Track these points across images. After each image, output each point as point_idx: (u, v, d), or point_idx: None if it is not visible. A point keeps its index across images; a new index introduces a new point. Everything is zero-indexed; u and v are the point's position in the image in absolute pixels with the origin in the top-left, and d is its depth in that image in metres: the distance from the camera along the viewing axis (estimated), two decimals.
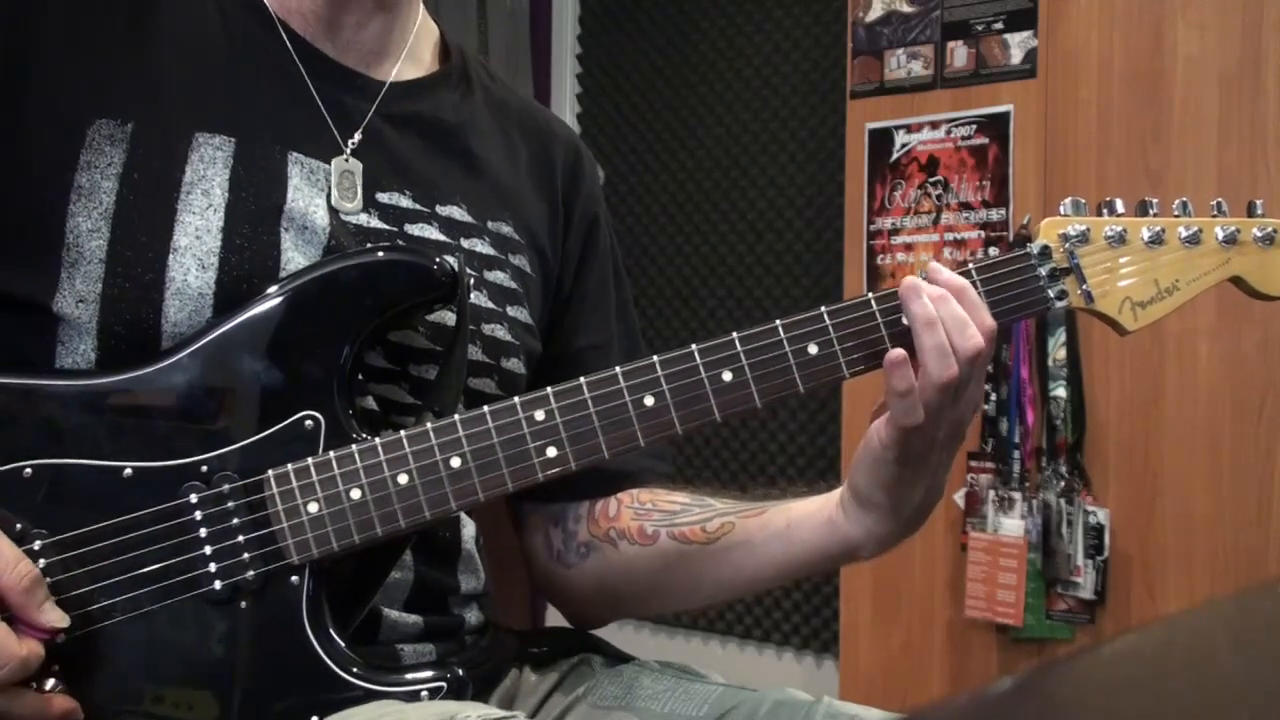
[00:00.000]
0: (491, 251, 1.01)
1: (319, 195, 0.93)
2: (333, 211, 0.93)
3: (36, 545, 0.82)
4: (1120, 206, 0.95)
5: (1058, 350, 2.21)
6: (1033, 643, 2.24)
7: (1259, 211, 0.97)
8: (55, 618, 0.80)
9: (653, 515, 1.05)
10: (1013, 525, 2.22)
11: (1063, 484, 2.21)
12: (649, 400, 0.88)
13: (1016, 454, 2.24)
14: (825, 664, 2.97)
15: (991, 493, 2.25)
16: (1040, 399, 2.23)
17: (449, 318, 0.94)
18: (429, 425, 0.87)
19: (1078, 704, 0.49)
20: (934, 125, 2.39)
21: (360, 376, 0.91)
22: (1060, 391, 2.20)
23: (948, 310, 0.87)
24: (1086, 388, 2.21)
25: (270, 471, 0.85)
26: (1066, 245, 0.93)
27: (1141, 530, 2.17)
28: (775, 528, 1.00)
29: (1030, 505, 2.22)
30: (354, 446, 0.86)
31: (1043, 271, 0.93)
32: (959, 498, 2.30)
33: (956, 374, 0.86)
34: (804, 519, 0.98)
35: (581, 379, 0.88)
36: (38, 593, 0.80)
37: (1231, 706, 0.48)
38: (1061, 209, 0.95)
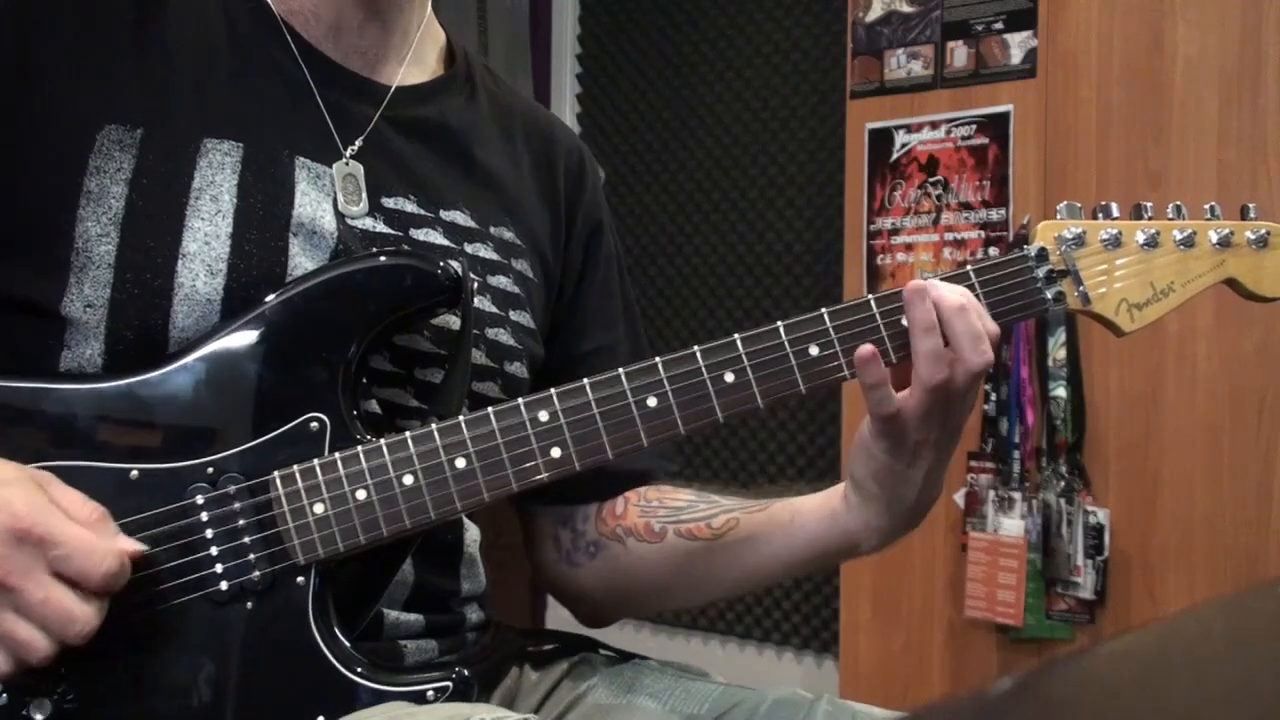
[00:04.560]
0: (494, 256, 1.02)
1: (326, 200, 0.93)
2: (339, 216, 0.93)
3: None
4: (1115, 210, 0.96)
5: (1057, 350, 2.21)
6: (1033, 643, 2.24)
7: (1252, 215, 0.98)
8: (132, 543, 0.80)
9: (659, 512, 1.06)
10: (1013, 525, 2.22)
11: (1063, 484, 2.21)
12: (652, 401, 0.89)
13: (1016, 454, 2.24)
14: (825, 664, 2.97)
15: (991, 493, 2.26)
16: (1040, 399, 2.23)
17: (453, 322, 0.95)
18: (434, 426, 0.87)
19: (1078, 704, 0.49)
20: (934, 125, 2.39)
21: (365, 380, 0.91)
22: (1060, 391, 2.20)
23: (964, 322, 0.88)
24: (1086, 388, 2.22)
25: (276, 473, 0.85)
26: (1063, 248, 0.94)
27: (1141, 530, 2.17)
28: (779, 521, 1.00)
29: (1030, 505, 2.22)
30: (359, 448, 0.86)
31: (1040, 273, 0.94)
32: (959, 498, 2.30)
33: (948, 378, 0.87)
34: (807, 512, 0.99)
35: (585, 380, 0.89)
36: (109, 524, 0.80)
37: (1231, 706, 0.48)
38: (1058, 213, 0.96)
